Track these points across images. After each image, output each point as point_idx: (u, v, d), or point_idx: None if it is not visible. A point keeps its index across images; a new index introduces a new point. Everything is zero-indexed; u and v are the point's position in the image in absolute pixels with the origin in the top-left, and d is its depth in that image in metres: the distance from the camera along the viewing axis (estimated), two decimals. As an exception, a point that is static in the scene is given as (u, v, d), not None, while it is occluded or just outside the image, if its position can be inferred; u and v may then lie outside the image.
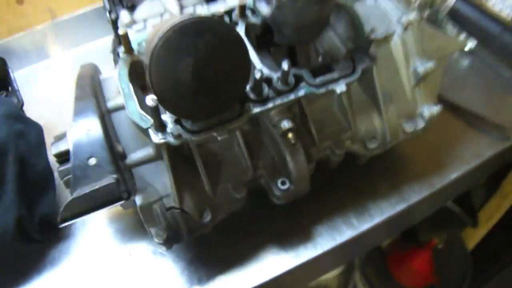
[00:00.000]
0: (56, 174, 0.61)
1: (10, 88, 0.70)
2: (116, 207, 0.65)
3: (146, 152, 0.47)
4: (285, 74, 0.47)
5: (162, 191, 0.46)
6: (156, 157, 0.47)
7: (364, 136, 0.57)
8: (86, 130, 0.41)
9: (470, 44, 0.84)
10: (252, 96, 0.47)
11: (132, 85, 0.46)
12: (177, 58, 0.38)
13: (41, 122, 0.65)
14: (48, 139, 0.63)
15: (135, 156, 0.46)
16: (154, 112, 0.40)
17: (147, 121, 0.44)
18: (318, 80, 0.50)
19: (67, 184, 0.48)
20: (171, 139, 0.43)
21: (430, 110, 0.58)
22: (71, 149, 0.42)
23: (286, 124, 0.47)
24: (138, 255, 0.60)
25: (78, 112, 0.43)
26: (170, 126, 0.44)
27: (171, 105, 0.40)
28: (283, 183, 0.50)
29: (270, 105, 0.47)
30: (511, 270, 1.15)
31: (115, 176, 0.40)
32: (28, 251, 0.60)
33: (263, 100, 0.47)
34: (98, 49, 0.93)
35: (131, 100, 0.45)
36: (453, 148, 0.69)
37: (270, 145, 0.52)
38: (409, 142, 0.63)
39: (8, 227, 0.53)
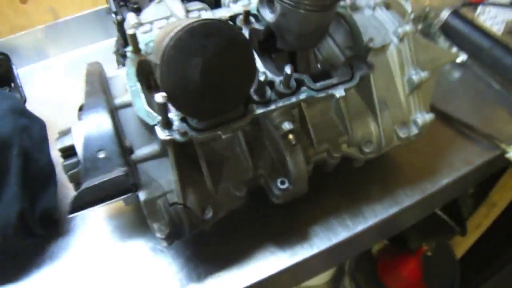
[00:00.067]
0: (57, 170, 0.63)
1: (13, 84, 0.71)
2: (116, 204, 0.66)
3: (151, 148, 0.48)
4: (287, 78, 0.49)
5: (166, 187, 0.48)
6: (161, 154, 0.48)
7: (360, 140, 0.59)
8: (97, 124, 0.43)
9: (462, 57, 0.87)
10: (255, 97, 0.49)
11: (139, 83, 0.48)
12: (187, 58, 0.40)
13: (41, 119, 0.66)
14: (48, 137, 0.64)
15: (140, 152, 0.48)
16: (163, 109, 0.42)
17: (154, 118, 0.45)
18: (319, 84, 0.52)
19: (72, 178, 0.50)
20: (177, 136, 0.44)
21: (423, 117, 0.61)
22: (81, 142, 0.43)
23: (287, 125, 0.49)
24: (137, 251, 0.61)
25: (89, 107, 0.44)
26: (176, 123, 0.45)
27: (179, 103, 0.42)
28: (282, 182, 0.52)
29: (272, 106, 0.49)
30: (498, 278, 1.17)
31: (124, 168, 0.42)
32: (27, 245, 0.60)
33: (266, 102, 0.49)
34: (99, 51, 0.95)
35: (139, 98, 0.47)
36: (444, 156, 0.72)
37: (270, 146, 0.54)
38: (402, 149, 0.65)
39: (10, 220, 0.54)
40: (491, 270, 1.20)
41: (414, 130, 0.61)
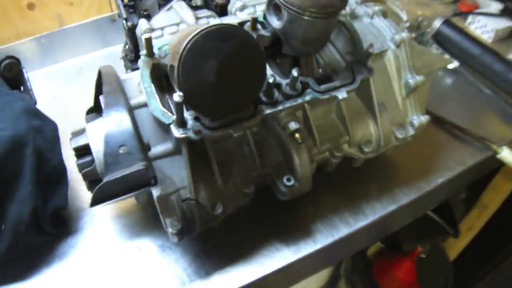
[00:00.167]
0: (70, 170, 0.64)
1: (22, 88, 0.72)
2: (123, 204, 0.68)
3: (165, 147, 0.51)
4: (294, 80, 0.52)
5: (179, 183, 0.50)
6: (174, 152, 0.51)
7: (360, 140, 0.62)
8: (117, 122, 0.45)
9: (454, 64, 0.92)
10: (264, 98, 0.51)
11: (154, 84, 0.50)
12: (203, 60, 0.43)
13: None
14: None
15: (155, 150, 0.50)
16: (179, 108, 0.44)
17: (169, 117, 0.48)
18: (322, 87, 0.56)
19: (86, 176, 0.52)
20: (191, 134, 0.47)
21: (419, 119, 0.64)
22: (100, 140, 0.45)
23: (293, 125, 0.52)
24: (145, 249, 0.62)
25: (109, 105, 0.46)
26: (190, 122, 0.48)
27: (195, 102, 0.44)
28: (288, 180, 0.55)
29: (280, 107, 0.52)
30: (491, 278, 1.20)
31: (144, 163, 0.44)
32: (37, 244, 0.62)
33: (273, 103, 0.52)
34: (103, 57, 0.97)
35: (154, 99, 0.49)
36: (439, 157, 0.75)
37: (276, 146, 0.57)
38: (398, 150, 0.69)
39: (23, 217, 0.55)
40: (484, 270, 1.23)
41: (411, 131, 0.64)
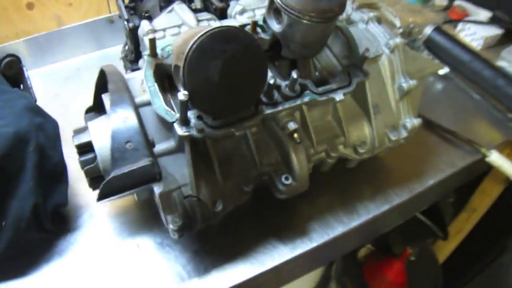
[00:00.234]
0: (69, 168, 0.65)
1: (22, 86, 0.73)
2: (122, 202, 0.69)
3: (167, 144, 0.52)
4: (293, 82, 0.54)
5: (180, 180, 0.51)
6: (177, 150, 0.52)
7: (355, 141, 0.64)
8: (123, 118, 0.46)
9: (444, 70, 0.95)
10: (264, 99, 0.53)
11: (157, 84, 0.52)
12: (208, 60, 0.44)
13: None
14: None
15: (158, 147, 0.51)
16: (184, 107, 0.46)
17: (172, 116, 0.49)
18: (320, 89, 0.57)
19: (88, 173, 0.53)
20: (194, 132, 0.48)
21: (412, 122, 0.67)
22: (107, 136, 0.46)
23: (292, 125, 0.54)
24: (144, 246, 0.63)
25: (115, 103, 0.47)
26: (193, 121, 0.49)
27: (199, 101, 0.46)
28: (286, 178, 0.56)
29: (279, 108, 0.54)
30: (479, 280, 1.23)
31: (150, 158, 0.45)
32: (37, 240, 0.62)
33: (273, 104, 0.54)
34: (99, 58, 0.98)
35: (158, 97, 0.50)
36: (430, 159, 0.78)
37: (275, 146, 0.58)
38: (391, 153, 0.71)
39: (24, 214, 0.56)
40: (472, 273, 1.26)
41: (404, 133, 0.66)
